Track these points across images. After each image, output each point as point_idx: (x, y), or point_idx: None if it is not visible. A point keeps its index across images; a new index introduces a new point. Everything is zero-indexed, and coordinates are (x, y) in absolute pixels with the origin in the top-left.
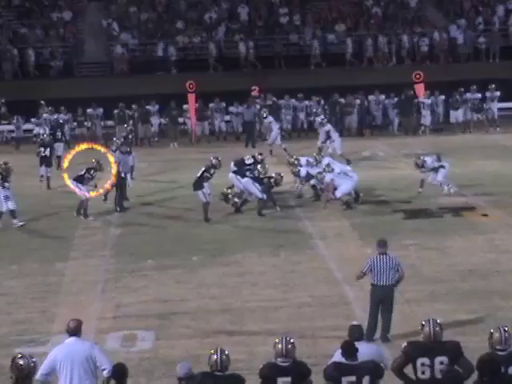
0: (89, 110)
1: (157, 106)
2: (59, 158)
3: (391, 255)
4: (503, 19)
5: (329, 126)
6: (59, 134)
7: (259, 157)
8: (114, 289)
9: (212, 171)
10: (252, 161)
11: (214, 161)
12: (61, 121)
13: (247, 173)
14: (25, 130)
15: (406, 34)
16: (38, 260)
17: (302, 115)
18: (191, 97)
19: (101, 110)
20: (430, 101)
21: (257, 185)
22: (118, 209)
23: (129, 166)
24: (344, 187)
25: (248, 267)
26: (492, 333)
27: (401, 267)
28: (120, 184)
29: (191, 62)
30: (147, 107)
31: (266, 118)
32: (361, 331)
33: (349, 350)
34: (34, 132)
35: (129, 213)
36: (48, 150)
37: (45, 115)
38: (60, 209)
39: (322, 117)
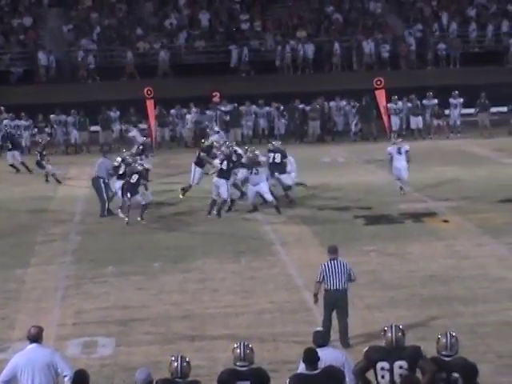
0: (52, 116)
1: (118, 112)
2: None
3: (342, 261)
4: (463, 26)
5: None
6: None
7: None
8: (74, 295)
9: (147, 177)
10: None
11: (139, 167)
12: (13, 129)
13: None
14: None
15: (366, 40)
16: None
17: (262, 121)
18: (150, 103)
19: (63, 116)
20: (400, 105)
21: (227, 186)
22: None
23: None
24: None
25: (209, 273)
26: (439, 338)
27: (352, 272)
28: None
29: (151, 68)
30: (108, 113)
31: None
32: (324, 337)
33: (309, 357)
34: None
35: (89, 219)
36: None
37: (5, 121)
38: (21, 215)
39: (214, 127)
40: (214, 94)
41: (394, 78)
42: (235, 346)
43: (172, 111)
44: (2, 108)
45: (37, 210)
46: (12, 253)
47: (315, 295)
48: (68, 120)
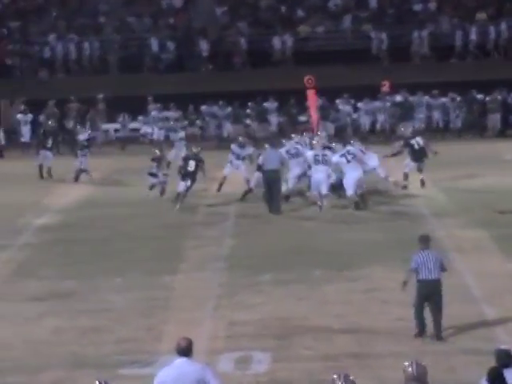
0: (203, 107)
1: (275, 103)
2: (41, 166)
3: (434, 251)
4: None
5: None
6: (50, 141)
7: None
8: (227, 305)
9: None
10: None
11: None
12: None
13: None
14: (131, 129)
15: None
16: (145, 272)
17: (436, 114)
18: (310, 93)
19: (215, 107)
20: None
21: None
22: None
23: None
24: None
25: (377, 283)
26: None
27: (443, 262)
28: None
29: (314, 54)
30: (264, 104)
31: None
32: (510, 356)
33: (494, 378)
34: (142, 131)
35: (244, 221)
36: None
37: (153, 113)
38: (167, 215)
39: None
40: (383, 83)
41: None
42: (406, 364)
43: (336, 101)
44: (150, 98)
45: (186, 210)
46: (159, 257)
47: (404, 283)
48: (220, 113)
